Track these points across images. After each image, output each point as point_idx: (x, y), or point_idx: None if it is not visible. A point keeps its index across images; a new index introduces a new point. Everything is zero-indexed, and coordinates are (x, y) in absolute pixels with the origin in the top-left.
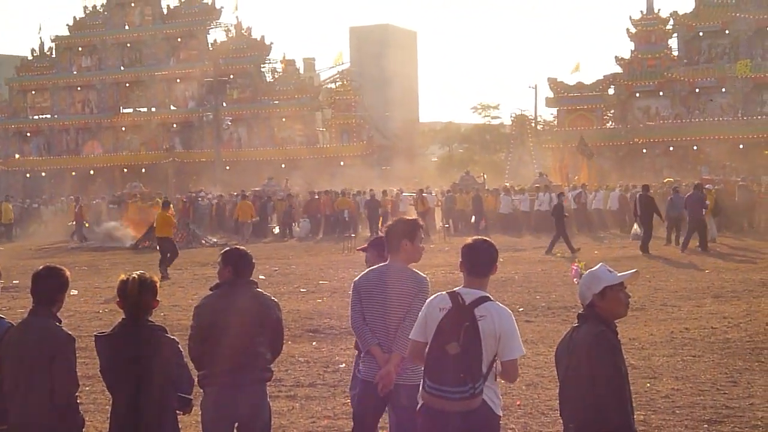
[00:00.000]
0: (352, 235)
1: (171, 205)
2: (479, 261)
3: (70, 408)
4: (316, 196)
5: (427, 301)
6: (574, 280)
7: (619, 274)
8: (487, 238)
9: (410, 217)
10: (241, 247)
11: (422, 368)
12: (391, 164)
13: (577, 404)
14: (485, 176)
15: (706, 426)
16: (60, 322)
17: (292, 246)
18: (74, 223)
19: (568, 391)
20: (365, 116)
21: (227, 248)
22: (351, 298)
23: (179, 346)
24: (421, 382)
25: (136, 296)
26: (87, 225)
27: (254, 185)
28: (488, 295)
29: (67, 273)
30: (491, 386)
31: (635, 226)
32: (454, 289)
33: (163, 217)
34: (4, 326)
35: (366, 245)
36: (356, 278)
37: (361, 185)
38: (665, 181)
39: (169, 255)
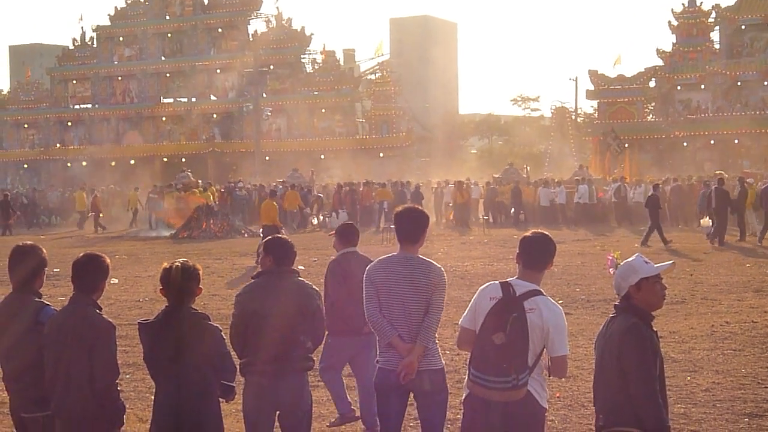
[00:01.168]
0: (391, 226)
1: (277, 194)
2: (536, 253)
3: (111, 395)
4: (347, 188)
5: (480, 289)
6: (610, 270)
7: (655, 266)
8: (546, 232)
9: (421, 208)
10: (283, 237)
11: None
12: (430, 156)
13: (606, 395)
14: (528, 169)
15: (746, 420)
16: (100, 309)
17: (330, 237)
18: (91, 213)
19: (600, 382)
20: (404, 108)
21: (269, 238)
22: (365, 289)
23: (222, 333)
24: (467, 371)
25: (180, 283)
26: (102, 215)
27: (294, 175)
28: (540, 288)
29: (108, 261)
30: (537, 378)
31: (706, 218)
32: (507, 279)
33: (269, 205)
34: (48, 313)
35: (333, 231)
36: (369, 268)
37: (399, 177)
38: (716, 172)
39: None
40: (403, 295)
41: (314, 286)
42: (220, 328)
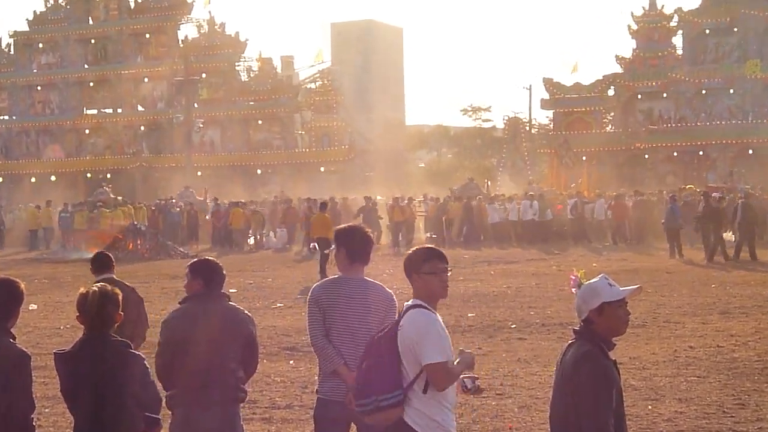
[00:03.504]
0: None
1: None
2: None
3: (27, 430)
4: (284, 205)
5: (435, 318)
6: (573, 290)
7: (620, 289)
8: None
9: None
10: (211, 258)
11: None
12: (374, 170)
13: (560, 427)
14: (489, 184)
15: None
16: (14, 338)
17: (267, 257)
18: None
19: (554, 413)
20: (347, 119)
21: (196, 259)
22: (309, 311)
23: (145, 362)
24: None
25: (98, 309)
26: None
27: (227, 191)
28: (418, 302)
29: (22, 286)
30: (421, 403)
31: (728, 232)
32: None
33: (322, 218)
34: None
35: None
36: (314, 288)
37: (342, 193)
38: (687, 187)
39: (323, 254)
40: (352, 320)
41: (247, 312)
42: (144, 356)
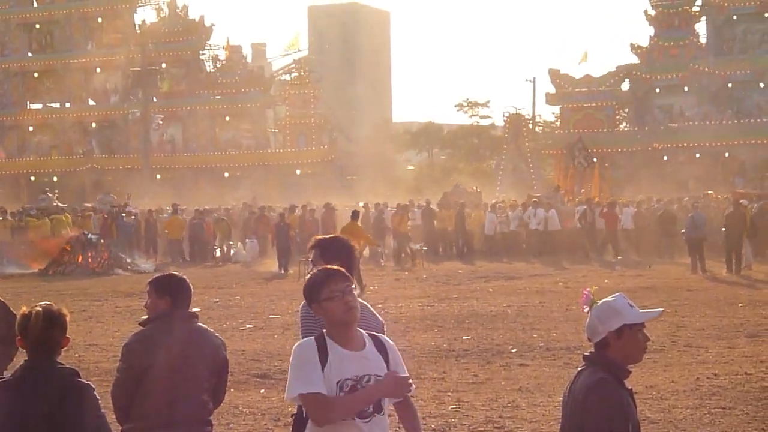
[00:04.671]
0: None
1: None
2: None
3: None
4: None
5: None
6: (584, 308)
7: (642, 311)
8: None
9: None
10: (177, 273)
11: None
12: (357, 174)
13: None
14: (478, 189)
15: None
16: None
17: (236, 272)
18: None
19: None
20: (326, 115)
21: (159, 275)
22: (304, 328)
23: (96, 393)
24: None
25: (41, 333)
26: None
27: (191, 197)
28: (322, 333)
29: None
30: None
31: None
32: None
33: (353, 228)
34: None
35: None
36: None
37: (321, 199)
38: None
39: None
40: None
41: (216, 333)
42: (93, 386)
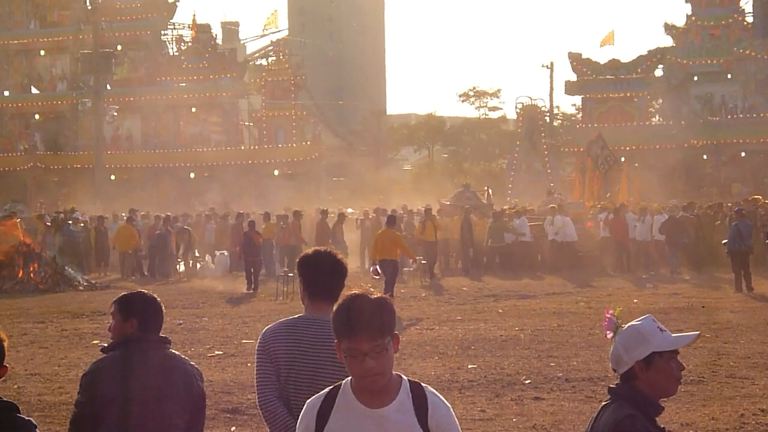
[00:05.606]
0: (289, 274)
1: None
2: None
3: None
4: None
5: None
6: (607, 333)
7: (674, 336)
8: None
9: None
10: (146, 291)
11: None
12: (345, 175)
13: None
14: (491, 192)
15: None
16: None
17: (203, 290)
18: None
19: None
20: (310, 106)
21: (126, 293)
22: (258, 364)
23: (37, 431)
24: None
25: None
26: None
27: (151, 201)
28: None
29: None
30: None
31: None
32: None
33: (389, 235)
34: None
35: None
36: (266, 333)
37: (303, 204)
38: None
39: (388, 280)
40: (314, 374)
41: (192, 362)
42: (35, 423)
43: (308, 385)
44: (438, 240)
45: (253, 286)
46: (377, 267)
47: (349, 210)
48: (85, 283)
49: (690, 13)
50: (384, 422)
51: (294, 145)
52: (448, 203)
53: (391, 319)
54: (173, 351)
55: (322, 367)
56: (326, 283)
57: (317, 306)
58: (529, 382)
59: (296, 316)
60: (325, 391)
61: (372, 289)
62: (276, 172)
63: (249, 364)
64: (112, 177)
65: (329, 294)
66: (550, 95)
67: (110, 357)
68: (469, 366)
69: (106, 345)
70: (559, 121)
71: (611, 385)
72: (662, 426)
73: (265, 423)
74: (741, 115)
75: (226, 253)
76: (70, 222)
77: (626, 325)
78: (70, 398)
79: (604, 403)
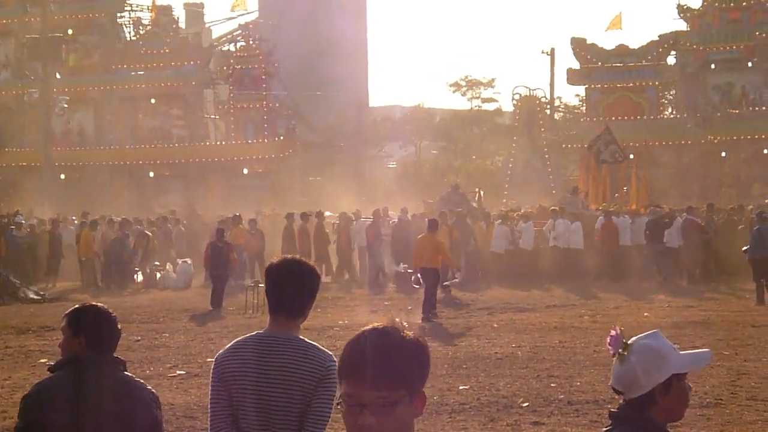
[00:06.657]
0: (260, 285)
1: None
2: None
3: None
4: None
5: None
6: (610, 351)
7: (686, 354)
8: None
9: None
10: (100, 305)
11: None
12: (323, 173)
13: None
14: (482, 193)
15: None
16: None
17: (164, 302)
18: None
19: None
20: (283, 97)
21: (79, 306)
22: (211, 389)
23: None
24: None
25: None
26: None
27: (105, 203)
28: None
29: None
30: None
31: None
32: None
33: (430, 241)
34: None
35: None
36: (219, 357)
37: (275, 205)
38: None
39: (429, 290)
40: (267, 398)
41: (148, 385)
42: None
43: (254, 410)
44: None
45: (216, 306)
46: (419, 276)
47: (327, 213)
48: (32, 295)
49: None
50: None
51: (265, 140)
52: (431, 202)
53: (415, 368)
54: (127, 373)
55: (268, 388)
56: (286, 295)
57: (276, 321)
58: (527, 405)
59: (254, 333)
60: None
61: (405, 324)
62: (245, 171)
63: None
64: (62, 176)
65: (289, 309)
66: (551, 85)
67: (55, 377)
68: (461, 387)
69: (53, 363)
70: (561, 114)
71: (613, 410)
72: None
73: None
74: (764, 108)
75: (189, 261)
76: (13, 227)
77: (638, 344)
78: (14, 423)
79: (604, 430)
